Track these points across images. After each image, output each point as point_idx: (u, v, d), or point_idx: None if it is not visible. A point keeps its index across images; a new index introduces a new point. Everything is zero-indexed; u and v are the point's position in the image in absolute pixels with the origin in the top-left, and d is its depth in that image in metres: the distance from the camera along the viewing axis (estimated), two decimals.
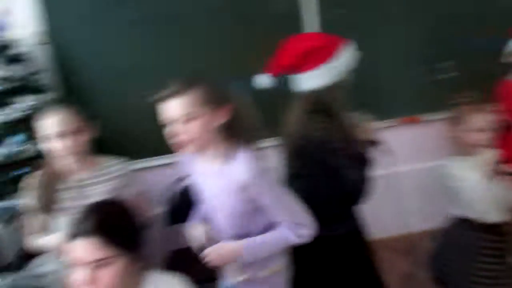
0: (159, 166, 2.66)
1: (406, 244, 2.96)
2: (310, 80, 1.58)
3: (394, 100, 2.87)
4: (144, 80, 2.57)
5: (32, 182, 1.58)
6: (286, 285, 1.49)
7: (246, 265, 1.38)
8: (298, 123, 1.60)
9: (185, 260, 2.42)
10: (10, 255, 1.85)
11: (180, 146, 1.29)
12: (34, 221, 1.60)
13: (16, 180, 2.20)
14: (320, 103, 1.58)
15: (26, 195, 1.59)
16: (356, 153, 1.56)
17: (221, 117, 1.29)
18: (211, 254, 1.34)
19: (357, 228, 1.69)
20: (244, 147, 1.31)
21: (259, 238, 1.34)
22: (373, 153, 1.63)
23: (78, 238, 1.07)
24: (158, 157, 2.65)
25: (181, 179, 2.55)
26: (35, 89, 2.32)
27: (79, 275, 1.07)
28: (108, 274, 1.07)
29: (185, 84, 1.27)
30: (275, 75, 1.65)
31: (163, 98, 1.27)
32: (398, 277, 2.54)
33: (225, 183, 1.31)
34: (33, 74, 2.32)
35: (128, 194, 1.67)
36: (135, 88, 2.57)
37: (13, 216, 1.94)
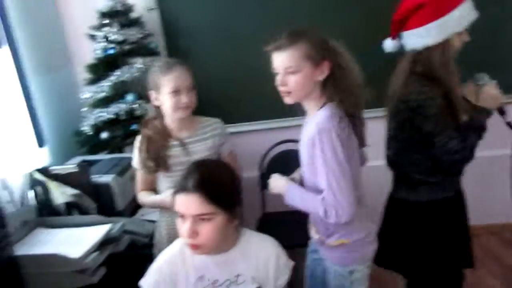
0: (257, 130, 2.72)
1: None
2: (416, 39, 1.49)
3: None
4: (247, 45, 2.62)
5: (141, 140, 1.68)
6: (357, 260, 1.46)
7: (318, 227, 1.48)
8: (399, 85, 1.54)
9: (277, 223, 2.49)
10: (121, 204, 2.03)
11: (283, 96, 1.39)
12: (143, 177, 1.72)
13: (128, 135, 2.41)
14: (424, 65, 1.48)
15: (135, 152, 1.70)
16: (458, 122, 1.47)
17: (321, 73, 1.33)
18: (270, 182, 1.52)
19: (449, 198, 1.62)
20: (332, 104, 1.34)
21: (302, 191, 1.41)
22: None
23: (181, 194, 1.15)
24: (256, 122, 2.71)
25: (278, 144, 2.59)
26: (146, 52, 2.47)
27: (182, 227, 1.15)
28: (207, 229, 1.14)
29: (290, 38, 1.32)
30: (393, 37, 1.61)
31: (270, 50, 1.36)
32: (504, 269, 2.33)
33: (304, 134, 1.40)
34: (144, 38, 2.46)
35: (224, 152, 1.75)
36: (238, 54, 2.64)
37: (125, 168, 2.12)
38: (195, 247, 1.16)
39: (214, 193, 1.13)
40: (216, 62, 2.61)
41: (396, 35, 1.59)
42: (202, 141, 1.70)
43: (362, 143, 1.44)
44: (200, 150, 1.68)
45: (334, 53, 1.34)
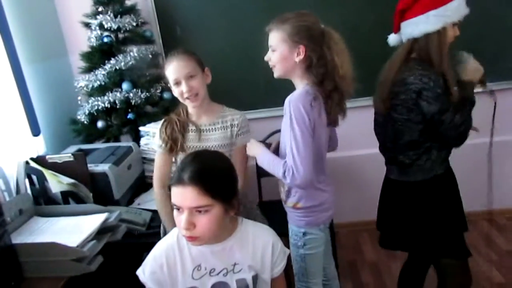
0: (255, 119, 2.70)
1: (507, 219, 2.73)
2: (415, 26, 1.59)
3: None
4: (243, 33, 2.60)
5: (163, 122, 1.74)
6: (309, 224, 1.63)
7: (281, 188, 1.68)
8: (394, 70, 1.63)
9: (272, 211, 2.50)
10: (118, 193, 2.03)
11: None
12: (162, 158, 1.74)
13: (125, 124, 2.41)
14: (421, 50, 1.59)
15: (157, 133, 1.75)
16: (458, 98, 1.58)
17: (297, 55, 1.49)
18: (248, 144, 1.69)
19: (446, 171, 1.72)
20: (310, 84, 1.50)
21: (271, 156, 1.59)
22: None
23: (177, 186, 1.13)
24: (253, 111, 2.71)
25: (276, 133, 2.59)
26: (141, 40, 2.45)
27: (178, 219, 1.15)
28: (204, 220, 1.13)
29: (277, 21, 1.52)
30: (396, 31, 1.70)
31: (267, 31, 1.56)
32: (497, 254, 2.36)
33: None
34: (139, 26, 2.43)
35: (238, 144, 1.74)
36: (234, 42, 2.63)
37: (121, 157, 2.12)
38: (192, 239, 1.16)
39: (210, 185, 1.12)
40: (212, 50, 2.59)
41: (398, 27, 1.68)
42: (220, 129, 1.72)
43: (333, 123, 1.63)
44: (217, 138, 1.71)
45: (317, 40, 1.49)
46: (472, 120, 1.61)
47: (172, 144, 1.69)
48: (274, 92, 2.71)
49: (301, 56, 1.49)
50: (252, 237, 1.28)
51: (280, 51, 1.51)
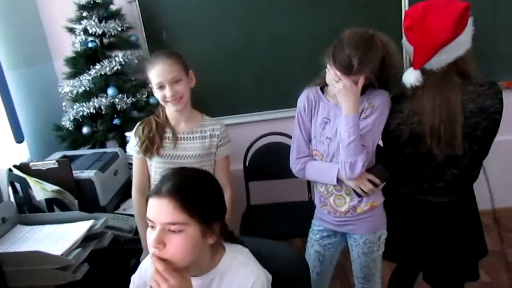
0: (241, 123, 2.72)
1: (495, 219, 2.76)
2: (457, 47, 1.41)
3: (496, 63, 2.60)
4: (230, 38, 2.61)
5: (139, 124, 1.72)
6: (384, 225, 1.65)
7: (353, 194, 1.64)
8: (454, 106, 1.41)
9: (261, 215, 2.51)
10: (104, 200, 2.01)
11: None
12: (138, 163, 1.73)
13: (110, 129, 2.38)
14: (460, 71, 1.44)
15: (132, 141, 1.72)
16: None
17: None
18: None
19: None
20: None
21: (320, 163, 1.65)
22: None
23: (154, 197, 1.03)
24: (239, 115, 2.71)
25: (262, 137, 2.59)
26: (127, 45, 2.43)
27: (150, 235, 1.03)
28: (176, 241, 1.00)
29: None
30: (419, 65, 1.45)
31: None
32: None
33: None
34: (124, 30, 2.42)
35: (219, 155, 1.72)
36: (220, 46, 2.63)
37: (107, 163, 2.09)
38: (159, 261, 1.00)
39: (188, 200, 1.01)
40: (198, 55, 2.59)
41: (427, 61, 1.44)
42: (198, 139, 1.69)
43: None
44: (194, 147, 1.68)
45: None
46: None
47: (148, 145, 1.66)
48: (261, 96, 2.74)
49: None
50: (232, 276, 1.11)
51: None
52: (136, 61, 2.42)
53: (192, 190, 1.04)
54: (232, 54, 2.62)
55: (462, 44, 1.41)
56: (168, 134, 1.68)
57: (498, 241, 2.53)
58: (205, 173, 1.17)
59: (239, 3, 2.57)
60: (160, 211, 1.01)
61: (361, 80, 1.44)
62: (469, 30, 1.42)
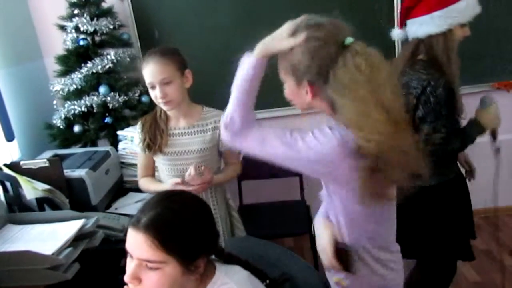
0: None
1: (485, 219, 2.78)
2: (419, 26, 1.52)
3: (486, 64, 2.62)
4: (221, 34, 2.59)
5: (141, 121, 1.75)
6: None
7: None
8: (398, 71, 1.54)
9: (254, 215, 2.51)
10: (95, 199, 1.99)
11: None
12: (143, 159, 1.78)
13: (102, 128, 2.36)
14: (428, 53, 1.53)
15: (136, 139, 1.76)
16: (455, 118, 1.55)
17: None
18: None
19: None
20: None
21: None
22: None
23: (131, 229, 0.95)
24: None
25: None
26: (118, 43, 2.42)
27: (128, 266, 0.96)
28: (153, 278, 0.93)
29: None
30: (401, 26, 1.64)
31: None
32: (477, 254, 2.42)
33: None
34: (116, 28, 2.40)
35: (224, 146, 1.72)
36: (211, 43, 2.61)
37: (99, 162, 2.08)
38: None
39: (166, 238, 0.92)
40: (191, 52, 2.55)
41: (403, 23, 1.61)
42: (200, 132, 1.69)
43: None
44: (195, 142, 1.69)
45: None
46: (453, 156, 1.60)
47: (150, 142, 1.68)
48: (260, 95, 2.71)
49: None
50: None
51: None
52: (128, 59, 2.41)
53: (171, 226, 0.94)
54: (224, 51, 2.60)
55: (424, 23, 1.49)
56: (169, 130, 1.70)
57: (489, 240, 2.57)
58: (192, 201, 1.04)
59: (231, 4, 2.56)
60: (135, 246, 0.94)
61: None
62: (439, 18, 1.47)
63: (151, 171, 1.82)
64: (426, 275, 1.81)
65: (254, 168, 2.59)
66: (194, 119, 1.71)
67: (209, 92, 2.61)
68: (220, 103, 2.62)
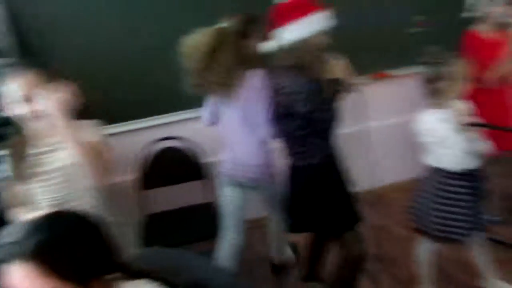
0: (131, 131, 2.60)
1: (376, 197, 3.06)
2: (287, 34, 1.70)
3: (364, 56, 2.87)
4: (114, 37, 2.46)
5: (6, 150, 1.59)
6: None
7: None
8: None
9: (160, 224, 2.43)
10: None
11: None
12: (13, 191, 1.59)
13: None
14: (296, 58, 1.71)
15: (3, 163, 1.58)
16: (324, 97, 1.73)
17: None
18: None
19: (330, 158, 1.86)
20: None
21: None
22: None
23: (13, 262, 0.84)
24: (128, 122, 2.58)
25: (155, 143, 2.52)
26: None
27: None
28: None
29: None
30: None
31: None
32: (370, 229, 2.63)
33: None
34: None
35: (100, 159, 1.62)
36: (103, 50, 2.47)
37: None
38: None
39: (56, 262, 0.85)
40: (79, 60, 2.41)
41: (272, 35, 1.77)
42: (62, 149, 1.58)
43: None
44: (64, 157, 1.58)
45: None
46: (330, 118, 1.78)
47: (17, 176, 1.56)
48: (143, 102, 2.57)
49: None
50: None
51: None
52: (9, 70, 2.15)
53: (60, 250, 0.86)
54: (110, 58, 2.48)
55: (286, 34, 1.71)
56: (36, 151, 1.58)
57: (383, 216, 2.84)
58: (75, 217, 0.96)
59: (116, 4, 2.46)
60: (21, 278, 0.84)
61: None
62: (296, 29, 1.69)
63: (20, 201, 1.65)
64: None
65: (157, 176, 2.52)
66: (66, 133, 1.57)
67: (104, 99, 2.45)
68: (118, 109, 2.50)
